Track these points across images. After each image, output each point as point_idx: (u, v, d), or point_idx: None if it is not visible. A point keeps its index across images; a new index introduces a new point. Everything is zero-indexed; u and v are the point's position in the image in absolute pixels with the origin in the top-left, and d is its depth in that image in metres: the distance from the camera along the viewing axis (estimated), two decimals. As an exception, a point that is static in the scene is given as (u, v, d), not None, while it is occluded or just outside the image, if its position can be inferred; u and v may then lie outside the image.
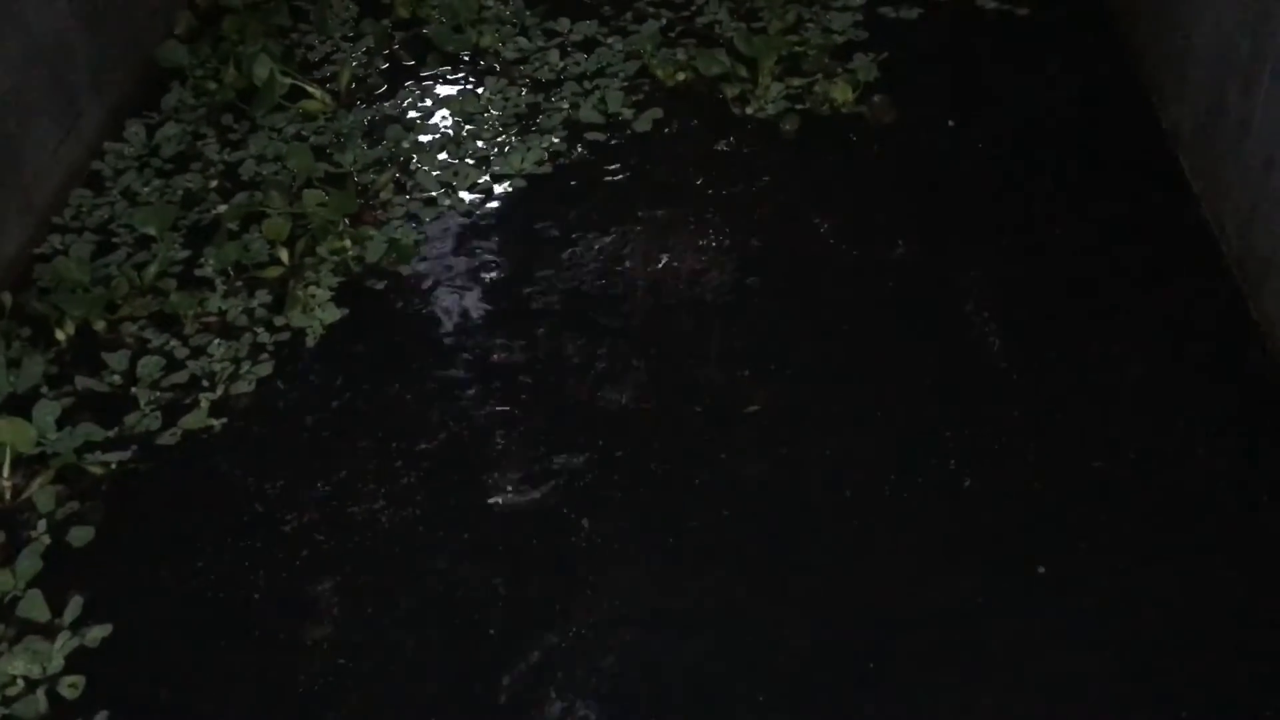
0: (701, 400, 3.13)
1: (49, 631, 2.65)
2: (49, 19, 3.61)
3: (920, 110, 4.02)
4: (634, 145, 3.96)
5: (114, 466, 2.99)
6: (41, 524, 2.86)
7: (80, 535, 2.85)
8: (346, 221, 3.62)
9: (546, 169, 3.87)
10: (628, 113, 4.06)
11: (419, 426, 3.09)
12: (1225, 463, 2.91)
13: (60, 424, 3.05)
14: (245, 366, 3.24)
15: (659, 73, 4.19)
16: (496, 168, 3.87)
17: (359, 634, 2.65)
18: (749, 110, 4.06)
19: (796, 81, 4.13)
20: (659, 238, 3.63)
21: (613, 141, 3.97)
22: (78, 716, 2.51)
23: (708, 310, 3.39)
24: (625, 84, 4.17)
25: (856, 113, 4.03)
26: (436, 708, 2.53)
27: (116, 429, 3.07)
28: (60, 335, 3.30)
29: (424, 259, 3.58)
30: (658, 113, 4.04)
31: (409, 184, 3.82)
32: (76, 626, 2.66)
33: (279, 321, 3.36)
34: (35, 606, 2.68)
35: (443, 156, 3.93)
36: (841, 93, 4.04)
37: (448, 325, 3.39)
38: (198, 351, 3.28)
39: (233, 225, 3.61)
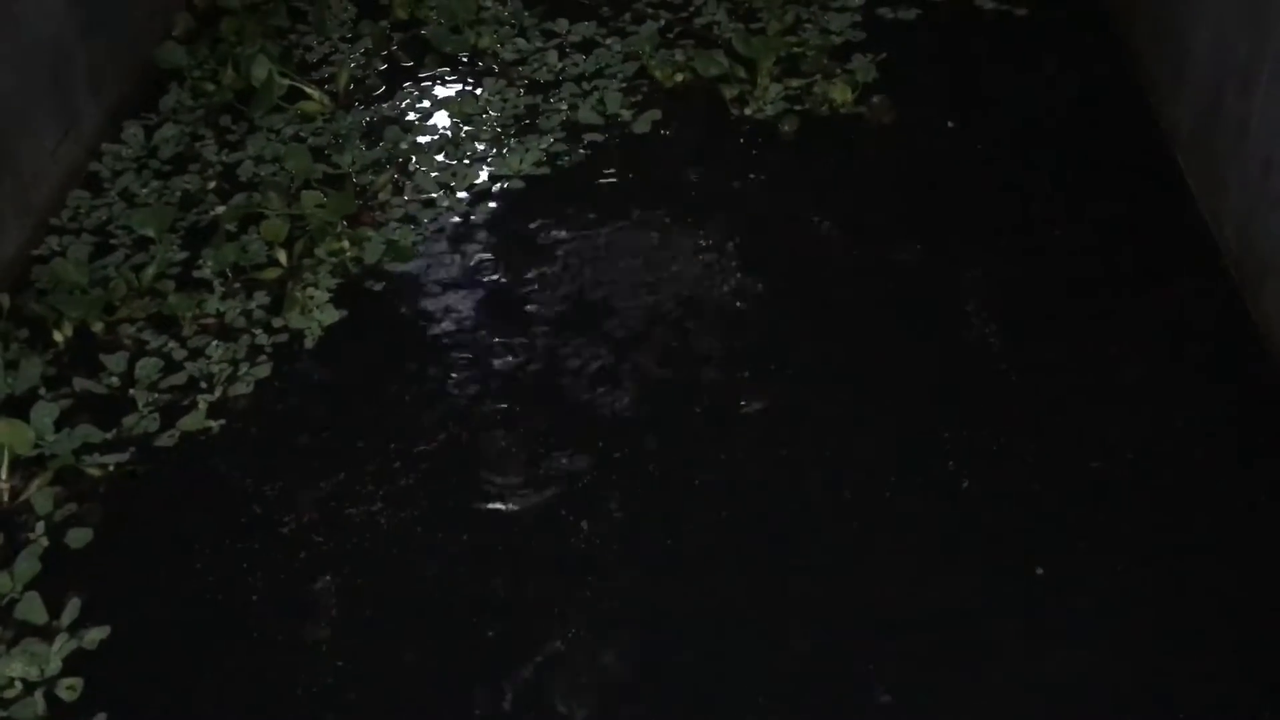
0: (701, 401, 3.13)
1: (47, 633, 2.64)
2: (47, 20, 3.61)
3: (919, 111, 4.02)
4: (633, 146, 3.95)
5: (112, 468, 2.99)
6: (39, 526, 2.86)
7: (78, 537, 2.84)
8: (345, 223, 3.62)
9: (545, 170, 3.87)
10: (626, 114, 4.05)
11: (417, 428, 3.09)
12: (1223, 463, 2.91)
13: (58, 426, 3.04)
14: (243, 368, 3.23)
15: (657, 74, 4.19)
16: (495, 169, 3.87)
17: (357, 635, 2.65)
18: (748, 111, 4.06)
19: (795, 82, 4.13)
20: (657, 239, 3.62)
21: (611, 143, 3.97)
22: (76, 719, 2.50)
23: (707, 311, 3.39)
24: (624, 85, 4.17)
25: (855, 113, 4.03)
26: (435, 710, 2.53)
27: (115, 431, 3.07)
28: (58, 337, 3.29)
29: (422, 260, 3.58)
30: (656, 114, 4.04)
31: (407, 185, 3.82)
32: (74, 628, 2.66)
33: (277, 323, 3.36)
34: (33, 608, 2.68)
35: (441, 158, 3.92)
36: (840, 93, 4.04)
37: (446, 326, 3.39)
38: (196, 353, 3.27)
39: (231, 227, 3.61)
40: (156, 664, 2.61)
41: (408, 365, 3.27)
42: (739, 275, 3.49)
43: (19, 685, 2.55)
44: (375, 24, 4.46)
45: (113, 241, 3.59)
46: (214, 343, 3.29)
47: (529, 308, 3.42)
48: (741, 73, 4.15)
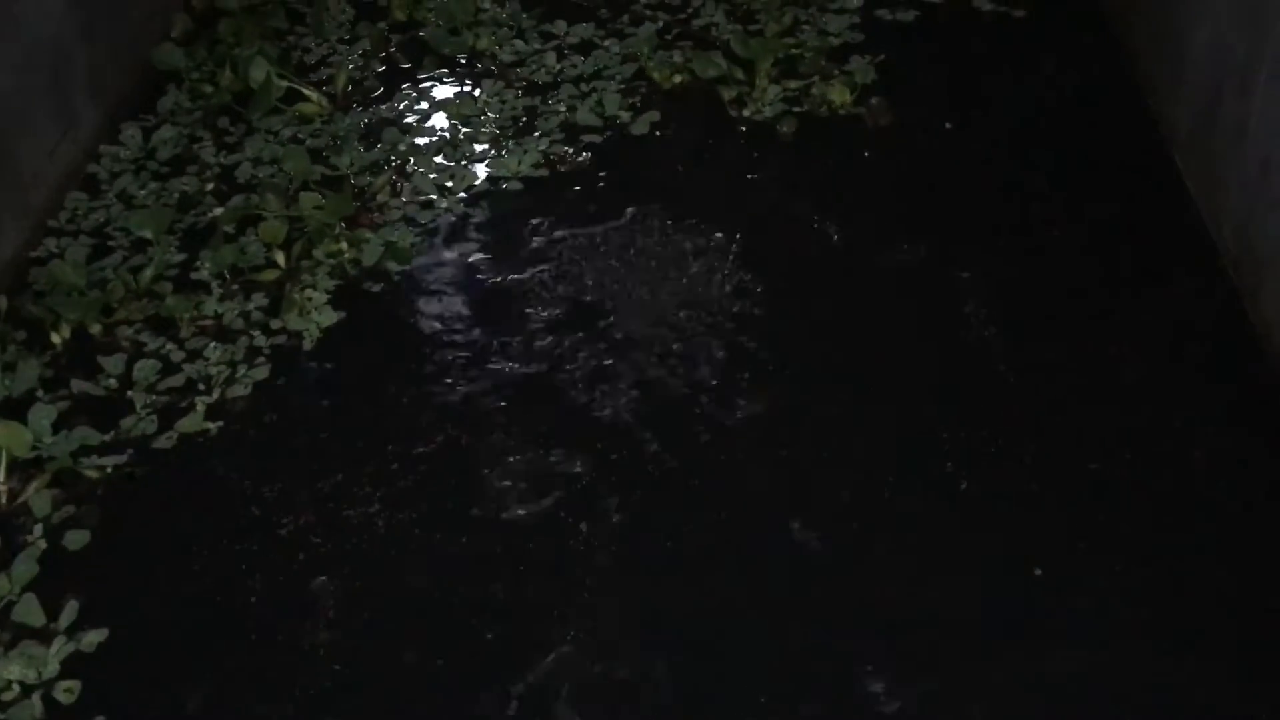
0: (700, 402, 3.13)
1: (45, 636, 2.64)
2: (45, 22, 3.60)
3: (918, 112, 4.02)
4: (631, 148, 3.95)
5: (110, 470, 2.98)
6: (37, 528, 2.85)
7: (76, 539, 2.83)
8: (343, 224, 3.61)
9: (543, 172, 3.86)
10: (625, 115, 4.05)
11: (416, 429, 3.08)
12: (1222, 463, 2.92)
13: (56, 428, 3.03)
14: (241, 370, 3.23)
15: (656, 75, 4.19)
16: (493, 170, 3.87)
17: (356, 638, 2.65)
18: (746, 113, 4.06)
19: (793, 84, 4.13)
20: (656, 240, 3.62)
21: (610, 144, 3.96)
22: (74, 721, 2.50)
23: (706, 311, 3.38)
24: (622, 86, 4.16)
25: (854, 115, 4.03)
26: (434, 712, 2.52)
27: (112, 433, 3.06)
28: (56, 339, 3.29)
29: (421, 262, 3.57)
30: (655, 115, 4.04)
31: (406, 187, 3.82)
32: (72, 631, 2.65)
33: (275, 325, 3.35)
34: (31, 611, 2.67)
35: (439, 159, 3.92)
36: (839, 95, 4.04)
37: (444, 328, 3.38)
38: (194, 355, 3.27)
39: (229, 228, 3.60)
40: (154, 666, 2.60)
41: (406, 367, 3.27)
42: (738, 276, 3.48)
43: (16, 688, 2.54)
44: (373, 25, 4.46)
45: (110, 243, 3.58)
46: (212, 344, 3.29)
47: (527, 309, 3.42)
48: (740, 74, 4.15)
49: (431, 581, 2.75)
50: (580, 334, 3.33)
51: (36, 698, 2.53)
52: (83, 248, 3.55)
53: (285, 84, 4.08)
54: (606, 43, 4.35)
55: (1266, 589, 2.65)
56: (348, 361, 3.28)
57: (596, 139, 3.97)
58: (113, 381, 3.19)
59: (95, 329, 3.32)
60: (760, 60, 4.14)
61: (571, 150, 3.92)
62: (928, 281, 3.44)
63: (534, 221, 3.69)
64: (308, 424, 3.11)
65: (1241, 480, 2.87)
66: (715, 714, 2.50)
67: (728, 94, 4.10)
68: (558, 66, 4.26)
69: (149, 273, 3.45)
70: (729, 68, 4.15)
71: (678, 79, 4.18)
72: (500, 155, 3.92)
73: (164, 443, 3.05)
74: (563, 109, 4.08)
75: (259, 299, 3.42)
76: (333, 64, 4.31)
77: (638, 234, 3.64)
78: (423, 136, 4.02)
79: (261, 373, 3.22)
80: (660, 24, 4.43)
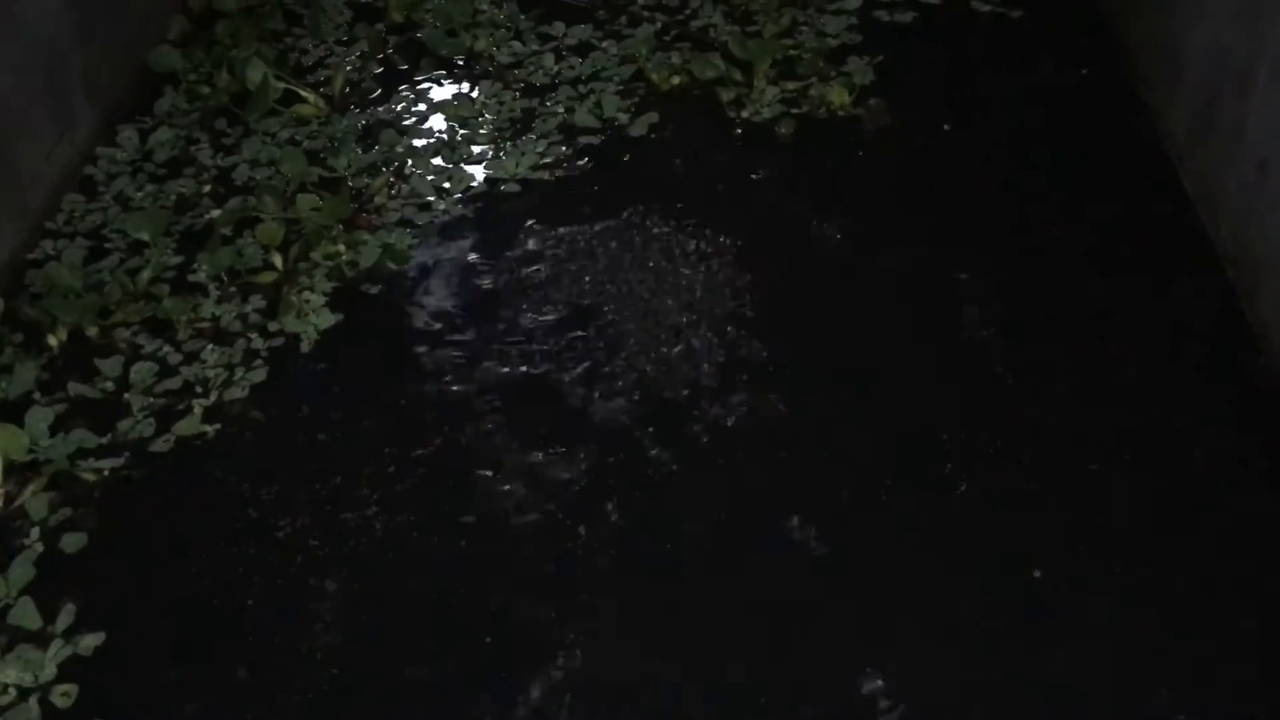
0: (699, 403, 3.12)
1: (41, 639, 2.63)
2: (43, 23, 3.60)
3: (916, 113, 4.02)
4: (629, 149, 3.95)
5: (107, 473, 2.98)
6: (34, 531, 2.84)
7: (73, 542, 2.83)
8: (340, 226, 3.61)
9: (541, 173, 3.86)
10: (623, 117, 4.05)
11: (414, 432, 3.08)
12: (1221, 463, 2.91)
13: (53, 430, 3.03)
14: (239, 372, 3.22)
15: (654, 77, 4.18)
16: (491, 172, 3.86)
17: (354, 641, 2.64)
18: (744, 114, 4.05)
19: (792, 85, 4.13)
20: (654, 241, 3.62)
21: (608, 145, 3.96)
22: (71, 724, 2.50)
23: (705, 312, 3.38)
24: (620, 88, 4.16)
25: (852, 116, 4.02)
26: (432, 715, 2.51)
27: (109, 435, 3.05)
28: (53, 341, 3.28)
29: (418, 263, 3.57)
30: (653, 116, 4.04)
31: (403, 188, 3.81)
32: (69, 634, 2.64)
33: (273, 327, 3.35)
34: (27, 614, 2.66)
35: (437, 161, 3.92)
36: (837, 96, 4.04)
37: (442, 330, 3.38)
38: (191, 357, 3.26)
39: (226, 230, 3.60)
40: (152, 670, 2.59)
41: (404, 369, 3.26)
42: (737, 277, 3.48)
43: (13, 692, 2.54)
44: (371, 27, 4.45)
45: (107, 245, 3.58)
46: (209, 347, 3.28)
47: (526, 311, 3.41)
48: (738, 75, 4.15)
49: (430, 584, 2.75)
50: (579, 335, 3.32)
51: (33, 701, 2.52)
52: (80, 250, 3.54)
53: (282, 86, 4.07)
54: (604, 44, 4.35)
55: (1266, 589, 2.65)
56: (345, 363, 3.28)
57: (595, 140, 3.97)
58: (110, 384, 3.19)
59: (92, 331, 3.31)
60: (758, 61, 4.14)
61: (570, 151, 3.92)
62: (927, 282, 3.44)
63: (531, 223, 3.69)
64: (305, 426, 3.11)
65: (1240, 480, 2.87)
66: (715, 715, 2.49)
67: (726, 95, 4.10)
68: (556, 68, 4.25)
69: (146, 275, 3.45)
70: (727, 69, 4.15)
71: (676, 80, 4.18)
72: (498, 157, 3.91)
73: (161, 445, 3.04)
74: (561, 110, 4.08)
75: (256, 301, 3.41)
76: (330, 65, 4.30)
77: (636, 235, 3.64)
78: (420, 138, 4.01)
79: (259, 375, 3.22)
80: (658, 25, 4.42)
